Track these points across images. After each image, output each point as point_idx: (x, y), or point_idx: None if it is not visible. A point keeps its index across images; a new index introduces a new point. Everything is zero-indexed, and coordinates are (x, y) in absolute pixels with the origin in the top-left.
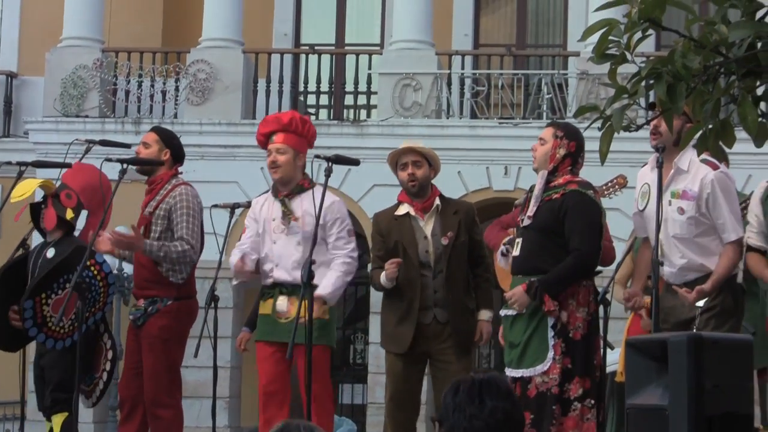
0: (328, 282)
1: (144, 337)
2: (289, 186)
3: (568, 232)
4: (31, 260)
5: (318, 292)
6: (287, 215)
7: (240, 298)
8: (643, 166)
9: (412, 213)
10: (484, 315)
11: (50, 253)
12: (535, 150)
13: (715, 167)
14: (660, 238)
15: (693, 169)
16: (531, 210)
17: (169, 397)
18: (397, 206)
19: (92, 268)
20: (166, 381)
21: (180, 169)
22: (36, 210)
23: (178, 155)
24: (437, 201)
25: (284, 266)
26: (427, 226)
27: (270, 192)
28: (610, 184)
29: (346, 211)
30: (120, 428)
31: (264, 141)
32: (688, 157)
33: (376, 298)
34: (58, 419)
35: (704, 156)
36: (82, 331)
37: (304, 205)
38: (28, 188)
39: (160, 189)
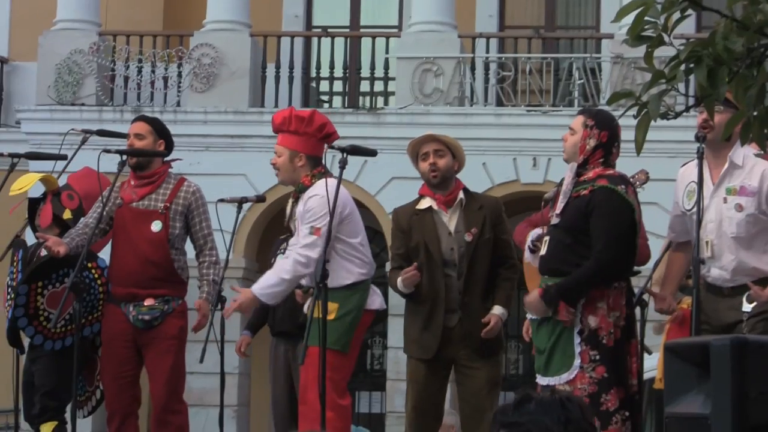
0: (264, 278)
1: (159, 338)
2: (294, 185)
3: (593, 234)
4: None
5: (252, 287)
6: (292, 219)
7: None
8: (685, 163)
9: (435, 207)
10: (497, 310)
11: (45, 251)
12: (566, 140)
13: None
14: (710, 239)
15: (749, 163)
16: (559, 207)
17: (179, 402)
18: (418, 200)
19: (93, 271)
20: (180, 385)
21: (183, 161)
22: (33, 205)
23: (170, 146)
24: (461, 195)
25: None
26: (451, 221)
27: None
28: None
29: (319, 205)
30: None
31: None
32: (742, 152)
33: (395, 299)
34: (46, 428)
35: (756, 151)
36: (79, 336)
37: (299, 206)
38: (28, 182)
39: (161, 182)
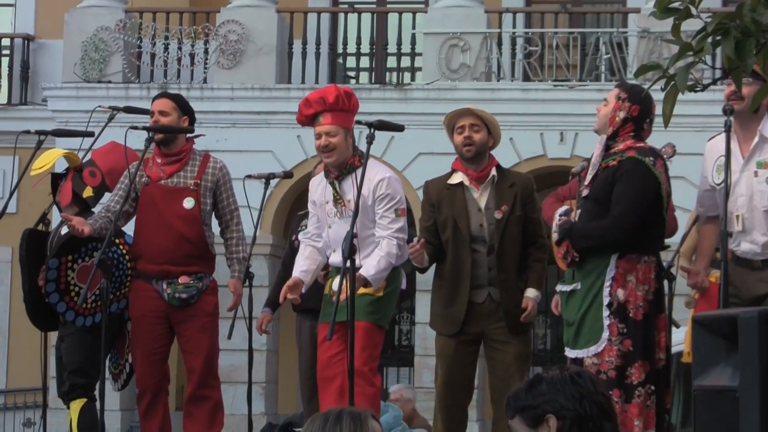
0: (371, 263)
1: (196, 315)
2: (340, 167)
3: (614, 198)
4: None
5: (360, 272)
6: (338, 200)
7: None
8: (712, 137)
9: (466, 183)
10: (531, 293)
11: (64, 230)
12: (599, 111)
13: None
14: (740, 212)
15: None
16: (588, 179)
17: (215, 378)
18: (450, 175)
19: (121, 247)
20: (215, 361)
21: (209, 137)
22: (56, 181)
23: (192, 123)
24: (493, 171)
25: (340, 250)
26: (482, 198)
27: (323, 172)
28: None
29: (399, 188)
30: (142, 422)
31: (306, 121)
32: None
33: (423, 275)
34: (76, 405)
35: None
36: (107, 312)
37: (354, 183)
38: (50, 159)
39: (188, 159)
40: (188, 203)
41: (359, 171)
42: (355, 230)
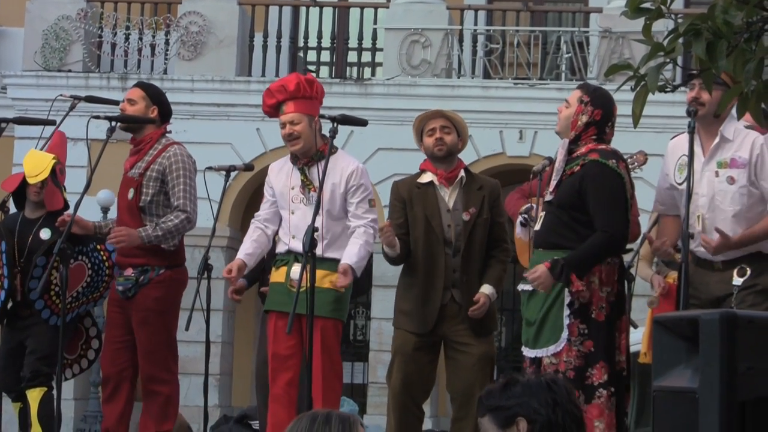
0: (352, 250)
1: (136, 310)
2: (309, 154)
3: (592, 209)
4: (15, 231)
5: (344, 261)
6: (307, 185)
7: None
8: (675, 136)
9: (436, 182)
10: (486, 289)
11: (45, 233)
12: (560, 112)
13: (762, 132)
14: (701, 213)
15: (739, 137)
16: (552, 185)
17: (167, 372)
18: (419, 175)
19: (102, 253)
20: (164, 355)
21: (168, 128)
22: (23, 182)
23: (165, 113)
24: (462, 173)
25: (301, 237)
26: (450, 199)
27: (288, 158)
28: (629, 161)
29: (368, 179)
30: (105, 407)
31: (271, 112)
32: (733, 126)
33: (379, 271)
34: (35, 394)
35: (747, 123)
36: (65, 303)
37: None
38: (44, 166)
39: (149, 149)
40: (130, 193)
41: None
42: (317, 224)
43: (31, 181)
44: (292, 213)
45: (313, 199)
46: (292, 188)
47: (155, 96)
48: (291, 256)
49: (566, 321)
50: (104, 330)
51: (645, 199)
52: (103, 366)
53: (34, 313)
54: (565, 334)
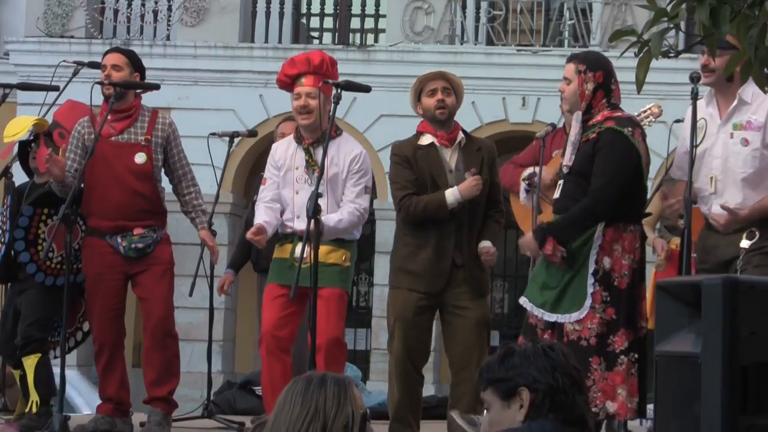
0: (331, 217)
1: (156, 263)
2: (315, 133)
3: (594, 171)
4: (24, 194)
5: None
6: (311, 165)
7: (237, 234)
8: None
9: (437, 143)
10: (485, 243)
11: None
12: (563, 91)
13: None
14: (714, 174)
15: (757, 100)
16: (569, 158)
17: (174, 328)
18: (417, 137)
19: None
20: (173, 311)
21: (171, 95)
22: (24, 147)
23: (143, 78)
24: (461, 134)
25: (305, 217)
26: (451, 159)
27: (293, 137)
28: (643, 114)
29: (369, 166)
30: (102, 379)
31: (287, 83)
32: (751, 89)
33: (381, 237)
34: (30, 361)
35: None
36: (70, 273)
37: (329, 153)
38: (22, 127)
39: (137, 116)
40: (140, 158)
41: (333, 141)
42: (320, 191)
43: (5, 140)
44: (297, 193)
45: (316, 179)
46: (296, 168)
47: (137, 62)
48: (295, 236)
49: (590, 289)
50: (90, 303)
51: None
52: (97, 336)
53: (28, 277)
54: (589, 301)
